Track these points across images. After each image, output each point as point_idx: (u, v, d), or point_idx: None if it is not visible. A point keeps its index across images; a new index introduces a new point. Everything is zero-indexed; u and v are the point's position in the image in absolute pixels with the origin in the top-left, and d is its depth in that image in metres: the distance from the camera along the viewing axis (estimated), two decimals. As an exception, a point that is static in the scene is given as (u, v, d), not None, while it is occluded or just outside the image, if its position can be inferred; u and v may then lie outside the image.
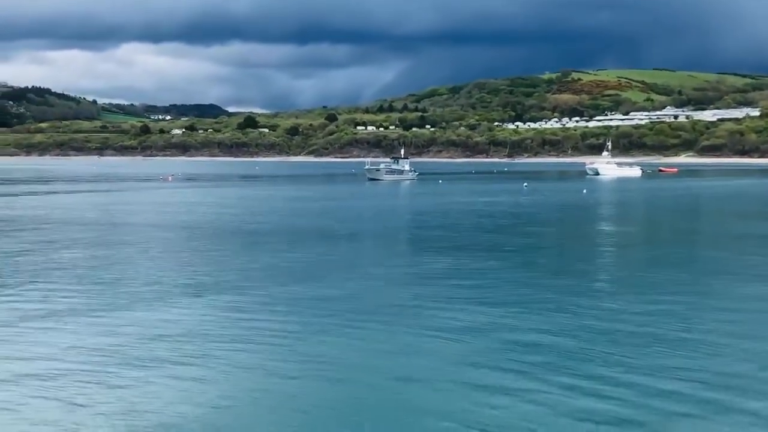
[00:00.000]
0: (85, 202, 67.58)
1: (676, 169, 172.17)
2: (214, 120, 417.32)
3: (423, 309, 20.84)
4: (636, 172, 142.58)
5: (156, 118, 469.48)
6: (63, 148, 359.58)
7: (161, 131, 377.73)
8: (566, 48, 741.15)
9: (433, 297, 22.49)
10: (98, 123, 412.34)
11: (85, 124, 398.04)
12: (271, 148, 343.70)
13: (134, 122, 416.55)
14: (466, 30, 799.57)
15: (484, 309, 20.79)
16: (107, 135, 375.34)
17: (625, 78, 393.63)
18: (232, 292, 23.33)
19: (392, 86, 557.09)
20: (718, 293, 23.88)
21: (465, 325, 18.92)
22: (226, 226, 45.17)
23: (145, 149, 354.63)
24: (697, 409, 13.00)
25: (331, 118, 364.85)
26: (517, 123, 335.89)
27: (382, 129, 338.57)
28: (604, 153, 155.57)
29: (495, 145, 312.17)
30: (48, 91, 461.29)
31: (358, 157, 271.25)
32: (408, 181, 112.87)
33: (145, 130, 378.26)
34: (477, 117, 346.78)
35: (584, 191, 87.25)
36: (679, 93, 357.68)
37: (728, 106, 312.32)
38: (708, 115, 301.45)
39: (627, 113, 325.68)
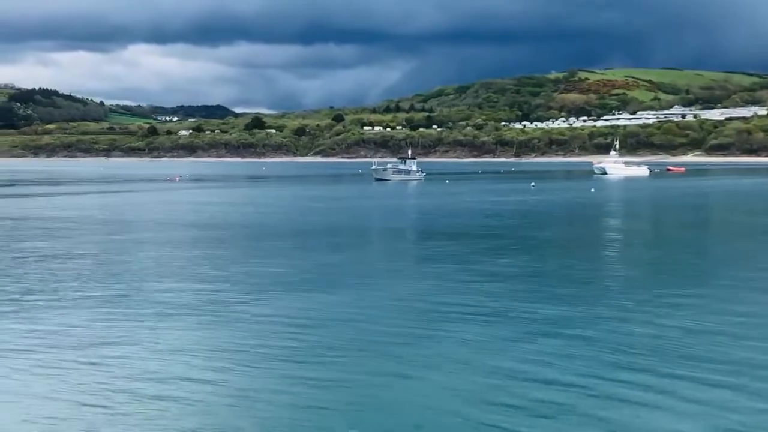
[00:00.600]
0: (94, 204, 67.77)
1: (683, 169, 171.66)
2: (221, 121, 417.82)
3: (432, 310, 20.85)
4: (644, 171, 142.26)
5: (163, 119, 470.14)
6: (70, 149, 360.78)
7: (168, 132, 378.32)
8: (573, 47, 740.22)
9: (444, 296, 22.49)
10: (105, 124, 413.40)
11: (93, 126, 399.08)
12: (278, 149, 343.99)
13: (141, 123, 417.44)
14: (473, 29, 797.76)
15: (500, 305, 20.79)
16: (114, 136, 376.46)
17: (633, 77, 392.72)
18: (248, 293, 23.36)
19: (399, 86, 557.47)
20: (730, 292, 23.78)
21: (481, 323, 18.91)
22: (234, 226, 45.18)
23: (152, 150, 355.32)
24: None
25: (338, 118, 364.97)
26: (524, 123, 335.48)
27: (388, 129, 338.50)
28: (612, 152, 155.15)
29: (502, 145, 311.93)
30: (55, 92, 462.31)
31: (365, 157, 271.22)
32: (415, 182, 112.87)
33: (153, 131, 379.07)
34: (484, 117, 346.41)
35: (592, 190, 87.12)
36: (687, 92, 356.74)
37: (736, 105, 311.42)
38: (716, 114, 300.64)
39: (634, 112, 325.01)
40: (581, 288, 24.01)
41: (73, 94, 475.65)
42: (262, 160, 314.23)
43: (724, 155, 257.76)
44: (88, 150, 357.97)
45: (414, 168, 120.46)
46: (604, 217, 54.46)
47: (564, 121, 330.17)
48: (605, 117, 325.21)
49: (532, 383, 14.14)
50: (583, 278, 26.01)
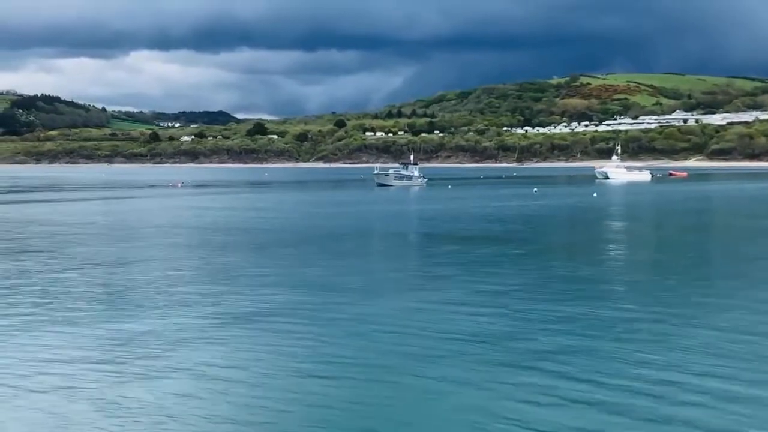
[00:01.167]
0: (97, 210, 67.74)
1: (686, 173, 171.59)
2: (223, 127, 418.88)
3: (438, 313, 20.76)
4: (646, 176, 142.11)
5: (165, 125, 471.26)
6: (72, 155, 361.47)
7: (170, 138, 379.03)
8: (575, 52, 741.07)
9: (447, 301, 22.40)
10: (107, 130, 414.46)
11: (95, 132, 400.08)
12: (281, 155, 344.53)
13: (143, 129, 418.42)
14: (474, 35, 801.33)
15: (502, 310, 20.70)
16: (116, 142, 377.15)
17: (634, 82, 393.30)
18: (257, 298, 23.28)
19: (400, 92, 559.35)
20: (733, 296, 23.66)
21: (483, 329, 18.82)
22: (236, 232, 45.11)
23: (154, 156, 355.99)
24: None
25: (340, 124, 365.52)
26: (525, 128, 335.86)
27: (390, 135, 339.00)
28: (614, 157, 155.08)
29: (504, 150, 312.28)
30: (57, 98, 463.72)
31: (367, 162, 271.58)
32: (417, 187, 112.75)
33: (155, 137, 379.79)
34: (486, 122, 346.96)
35: (595, 195, 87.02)
36: (689, 97, 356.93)
37: (737, 110, 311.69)
38: (717, 119, 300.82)
39: (636, 117, 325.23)
40: (593, 296, 23.90)
41: (75, 101, 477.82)
42: (265, 165, 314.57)
43: (726, 160, 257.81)
44: (91, 156, 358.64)
45: (416, 173, 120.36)
46: (609, 221, 54.30)
47: (566, 126, 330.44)
48: (607, 122, 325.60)
49: (542, 396, 14.04)
50: (592, 285, 25.89)
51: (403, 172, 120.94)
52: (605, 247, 37.61)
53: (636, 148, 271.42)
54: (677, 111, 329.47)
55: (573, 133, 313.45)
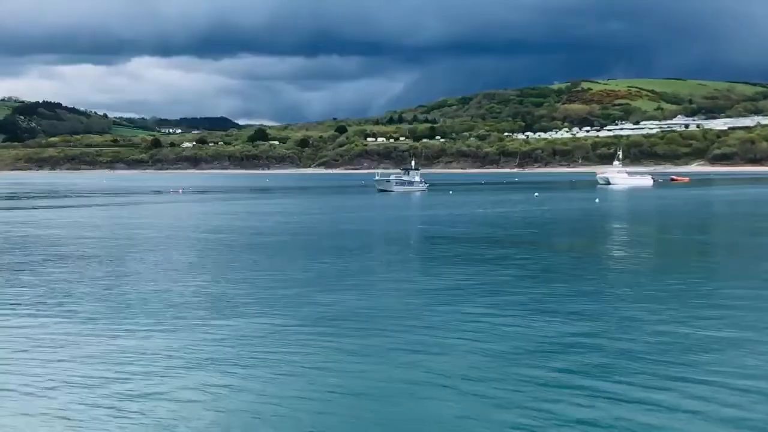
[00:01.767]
0: (99, 216, 67.71)
1: (687, 178, 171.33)
2: (225, 133, 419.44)
3: (440, 317, 20.63)
4: (647, 181, 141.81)
5: (167, 131, 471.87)
6: (74, 162, 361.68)
7: (172, 144, 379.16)
8: (576, 57, 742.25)
9: (450, 306, 22.28)
10: (109, 137, 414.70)
11: (96, 138, 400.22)
12: (282, 161, 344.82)
13: (145, 136, 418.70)
14: (476, 40, 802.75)
15: (506, 314, 20.56)
16: (118, 149, 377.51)
17: (636, 87, 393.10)
18: (265, 305, 23.16)
19: (402, 97, 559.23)
20: (735, 298, 23.50)
21: (484, 331, 18.68)
22: (238, 238, 44.99)
23: (156, 162, 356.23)
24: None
25: (341, 129, 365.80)
26: (527, 133, 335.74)
27: (392, 140, 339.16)
28: (615, 162, 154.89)
29: (505, 156, 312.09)
30: (59, 105, 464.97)
31: (369, 168, 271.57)
32: (418, 192, 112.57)
33: (156, 143, 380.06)
34: (487, 127, 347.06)
35: (597, 200, 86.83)
36: (690, 102, 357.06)
37: (739, 115, 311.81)
38: (719, 124, 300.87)
39: (637, 122, 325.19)
40: (595, 298, 23.75)
41: (76, 107, 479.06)
42: (266, 171, 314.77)
43: (728, 165, 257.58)
44: (92, 162, 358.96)
45: (417, 179, 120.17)
46: (613, 226, 54.16)
47: (567, 132, 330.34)
48: (608, 127, 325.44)
49: (549, 392, 13.89)
50: (596, 288, 25.74)
51: (405, 177, 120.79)
52: (612, 252, 37.45)
53: (637, 153, 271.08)
54: (679, 116, 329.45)
55: (574, 139, 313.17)
